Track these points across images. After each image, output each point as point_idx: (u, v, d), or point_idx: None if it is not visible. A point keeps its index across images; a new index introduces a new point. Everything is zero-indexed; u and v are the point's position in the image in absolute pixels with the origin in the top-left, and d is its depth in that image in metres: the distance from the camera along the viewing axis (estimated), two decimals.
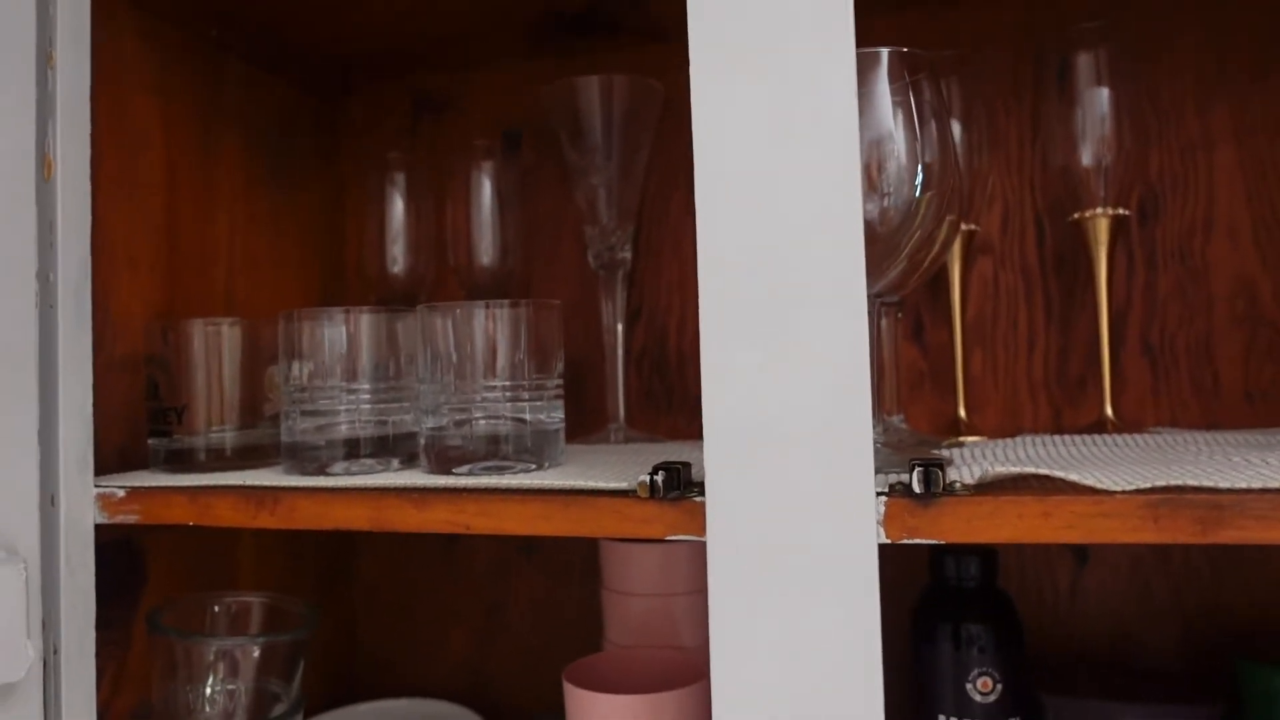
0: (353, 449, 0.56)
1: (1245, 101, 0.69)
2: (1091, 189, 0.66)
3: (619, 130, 0.74)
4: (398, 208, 0.81)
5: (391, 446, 0.57)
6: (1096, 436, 0.61)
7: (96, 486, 0.55)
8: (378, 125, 0.89)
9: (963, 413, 0.70)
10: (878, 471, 0.47)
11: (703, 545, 0.43)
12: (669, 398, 0.80)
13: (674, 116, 0.76)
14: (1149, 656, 0.69)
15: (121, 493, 0.54)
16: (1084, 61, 0.66)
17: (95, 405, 0.57)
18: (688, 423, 0.79)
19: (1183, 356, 0.69)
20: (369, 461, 0.56)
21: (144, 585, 0.62)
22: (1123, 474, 0.42)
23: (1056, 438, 0.61)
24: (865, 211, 0.50)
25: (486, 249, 0.79)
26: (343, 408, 0.56)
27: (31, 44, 0.55)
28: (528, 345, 0.55)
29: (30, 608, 0.52)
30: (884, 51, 0.52)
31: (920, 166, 0.52)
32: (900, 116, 0.52)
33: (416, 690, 0.83)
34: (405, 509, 0.48)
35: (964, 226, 0.69)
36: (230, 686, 0.56)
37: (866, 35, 0.50)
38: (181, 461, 0.59)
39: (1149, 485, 0.40)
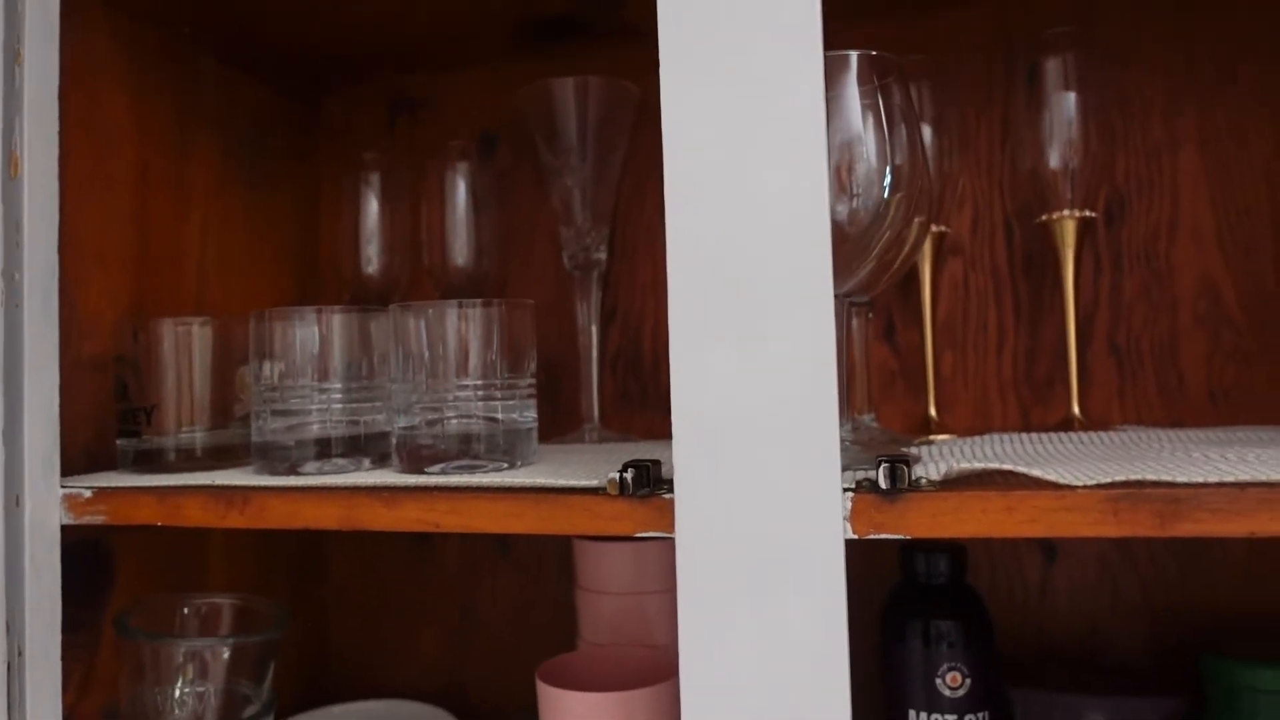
0: (324, 449, 0.56)
1: (1211, 106, 0.70)
2: (1059, 191, 0.67)
3: (594, 132, 0.74)
4: (373, 208, 0.81)
5: (363, 446, 0.57)
6: (1063, 434, 0.62)
7: (63, 487, 0.54)
8: (354, 126, 0.89)
9: (933, 412, 0.70)
10: (847, 469, 0.48)
11: (675, 544, 0.43)
12: (644, 398, 0.80)
13: (649, 119, 0.76)
14: (1116, 651, 0.70)
15: (88, 493, 0.54)
16: (1052, 66, 0.67)
17: (62, 405, 0.56)
18: (663, 422, 0.79)
19: (1148, 357, 0.71)
20: (340, 461, 0.56)
21: (112, 587, 0.61)
22: (1085, 469, 0.43)
23: (1024, 435, 0.62)
24: (835, 212, 0.51)
25: (461, 250, 0.79)
26: (314, 407, 0.56)
27: None
28: (500, 345, 0.55)
29: None
30: (853, 55, 0.52)
31: (889, 168, 0.53)
32: (870, 119, 0.52)
33: (390, 691, 0.83)
34: (375, 508, 0.48)
35: (934, 228, 0.70)
36: (199, 688, 0.56)
37: (838, 42, 0.51)
38: (151, 462, 0.59)
39: (1109, 480, 0.41)
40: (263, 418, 0.57)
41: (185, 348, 0.61)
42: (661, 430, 0.79)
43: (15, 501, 0.53)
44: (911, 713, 0.59)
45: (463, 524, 0.47)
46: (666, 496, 0.44)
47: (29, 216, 0.54)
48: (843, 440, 0.53)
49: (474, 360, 0.55)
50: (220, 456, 0.61)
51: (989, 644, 0.60)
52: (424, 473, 0.53)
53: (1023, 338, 0.73)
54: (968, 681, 0.59)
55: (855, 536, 0.42)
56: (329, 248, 0.88)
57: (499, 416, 0.55)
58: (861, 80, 0.52)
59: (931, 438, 0.66)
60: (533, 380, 0.57)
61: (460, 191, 0.79)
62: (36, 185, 0.55)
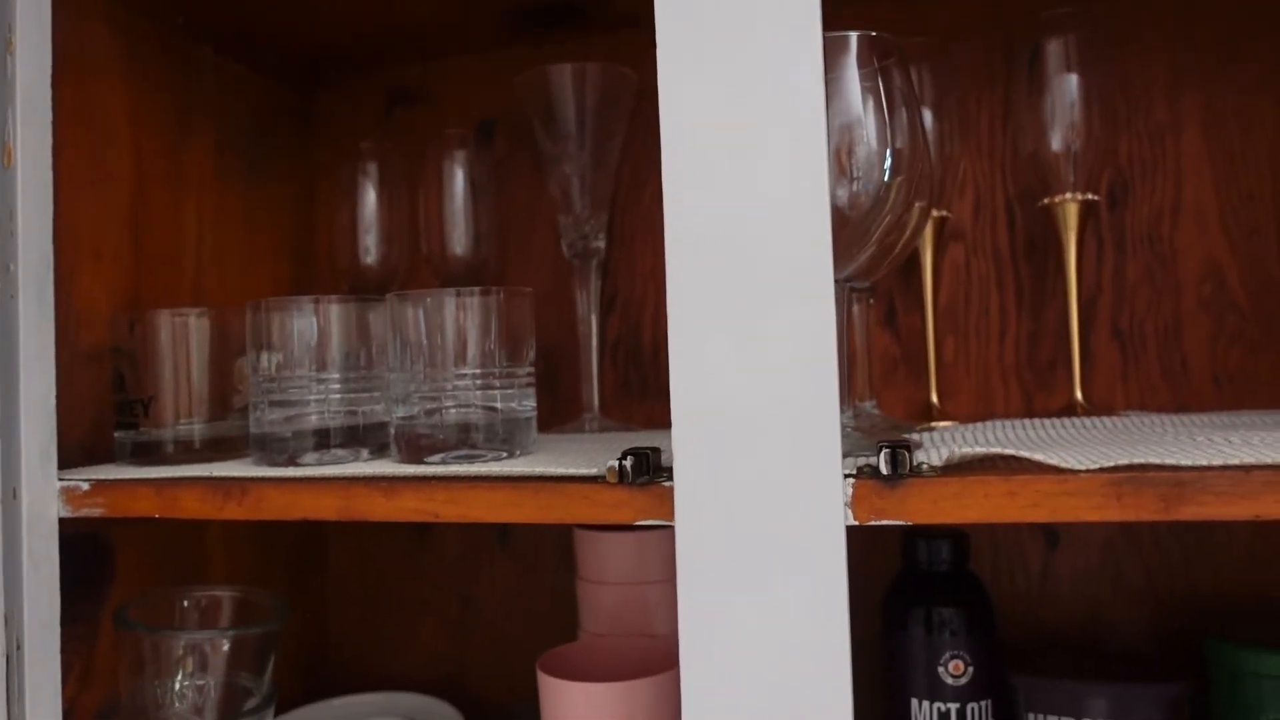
0: (323, 439, 0.56)
1: (1214, 88, 0.70)
2: (1061, 175, 0.66)
3: (592, 118, 0.74)
4: (370, 198, 0.80)
5: (362, 436, 0.57)
6: (1066, 420, 0.61)
7: (60, 480, 0.54)
8: (351, 116, 0.88)
9: (935, 398, 0.70)
10: (848, 455, 0.47)
11: (674, 532, 0.43)
12: (644, 387, 0.80)
13: (648, 105, 0.75)
14: (1120, 637, 0.69)
15: (86, 485, 0.53)
16: (1054, 48, 0.66)
17: (59, 398, 0.56)
18: (663, 411, 0.78)
19: (1151, 341, 0.70)
20: (339, 452, 0.56)
21: (112, 579, 0.61)
22: (1088, 454, 0.42)
23: (1026, 421, 0.61)
24: (835, 196, 0.50)
25: (460, 239, 0.78)
26: (312, 398, 0.56)
27: None
28: (498, 333, 0.55)
29: None
30: (852, 36, 0.52)
31: (890, 151, 0.52)
32: (869, 102, 0.52)
33: (390, 682, 0.83)
34: (374, 498, 0.48)
35: (936, 213, 0.70)
36: (199, 681, 0.56)
37: (837, 24, 0.50)
38: (148, 454, 0.59)
39: (1113, 464, 0.40)
40: (260, 409, 0.56)
41: (182, 339, 0.60)
42: (662, 419, 0.79)
43: (13, 494, 0.53)
44: (914, 701, 0.59)
45: (461, 514, 0.47)
46: (666, 484, 0.44)
47: (23, 207, 0.54)
48: (844, 427, 0.53)
49: (472, 349, 0.55)
50: (219, 448, 0.61)
51: (991, 631, 0.60)
52: (423, 463, 0.53)
53: (1025, 323, 0.73)
54: (970, 669, 0.58)
55: (857, 523, 0.42)
56: (327, 238, 0.88)
57: (498, 406, 0.55)
58: (861, 62, 0.52)
59: (933, 424, 0.66)
60: (532, 369, 0.56)
61: (458, 180, 0.78)
62: (30, 176, 0.55)
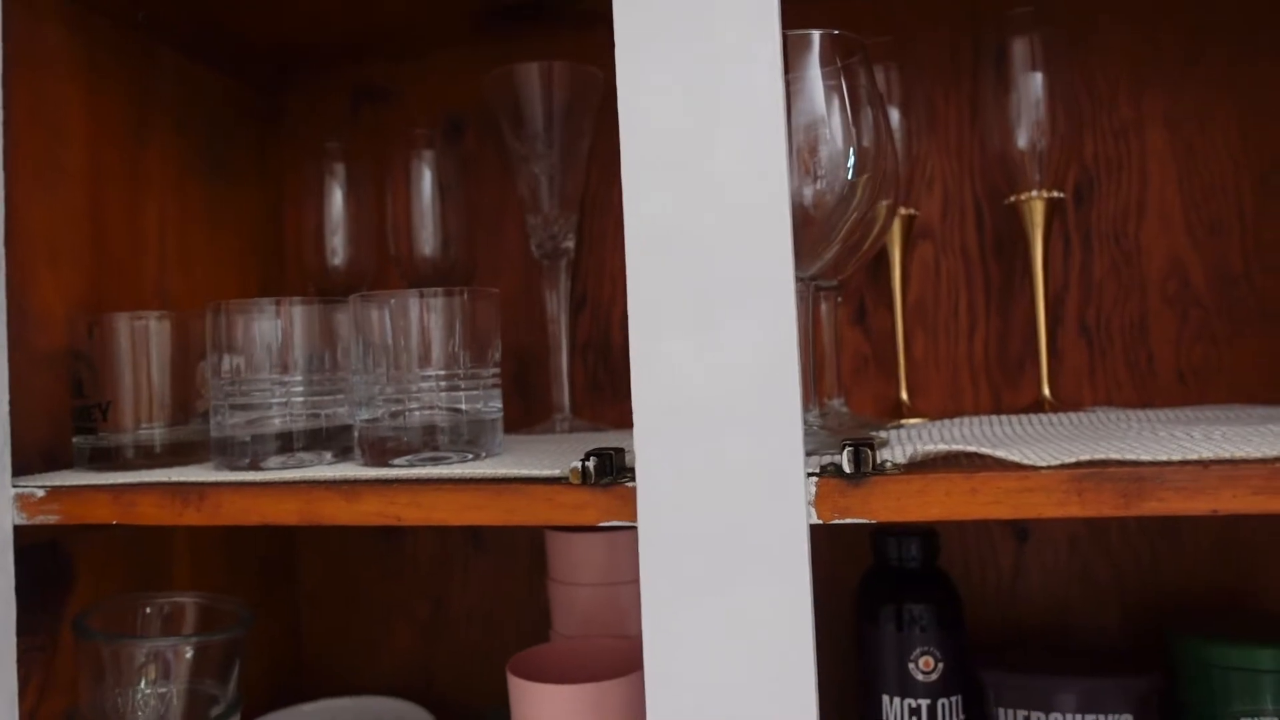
0: (285, 443, 0.55)
1: (1177, 86, 0.70)
2: (1027, 172, 0.67)
3: (560, 118, 0.73)
4: (337, 199, 0.79)
5: (325, 440, 0.56)
6: (1033, 416, 0.61)
7: (14, 486, 0.53)
8: (317, 115, 0.87)
9: (905, 396, 0.70)
10: (815, 453, 0.47)
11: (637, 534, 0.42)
12: (615, 387, 0.79)
13: (616, 104, 0.75)
14: (1089, 632, 0.70)
15: (41, 492, 0.52)
16: (1019, 46, 0.67)
17: (13, 404, 0.55)
18: None
19: (1118, 337, 0.71)
20: (302, 455, 0.55)
21: (71, 588, 0.60)
22: (1051, 450, 0.43)
23: (994, 418, 0.61)
24: (799, 195, 0.50)
25: (428, 239, 0.78)
26: (274, 401, 0.55)
27: None
28: (463, 334, 0.54)
29: None
30: (815, 34, 0.52)
31: (854, 150, 0.52)
32: (833, 100, 0.52)
33: (363, 686, 0.82)
34: (335, 501, 0.47)
35: (904, 211, 0.70)
36: (162, 689, 0.55)
37: (804, 21, 0.50)
38: (108, 460, 0.58)
39: (1074, 460, 0.40)
40: (221, 413, 0.55)
41: (142, 342, 0.59)
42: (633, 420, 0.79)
43: None
44: (885, 698, 0.59)
45: (424, 516, 0.46)
46: (629, 485, 0.44)
47: None
48: (811, 425, 0.53)
49: (437, 351, 0.54)
50: (181, 453, 0.60)
51: (961, 628, 0.60)
52: (388, 465, 0.52)
53: (994, 320, 0.73)
54: (940, 665, 0.58)
55: (820, 521, 0.42)
56: (294, 239, 0.87)
57: (463, 407, 0.54)
58: (824, 61, 0.52)
59: (903, 422, 0.66)
60: (497, 370, 0.56)
61: (426, 180, 0.78)
62: None
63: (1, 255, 0.54)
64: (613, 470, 0.45)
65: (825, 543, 0.73)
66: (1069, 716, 0.58)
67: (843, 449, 0.42)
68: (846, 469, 0.41)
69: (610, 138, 0.79)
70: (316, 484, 0.48)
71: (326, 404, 0.57)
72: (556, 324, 0.75)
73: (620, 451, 0.46)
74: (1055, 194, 0.66)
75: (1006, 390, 0.72)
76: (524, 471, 0.46)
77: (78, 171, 0.64)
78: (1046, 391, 0.66)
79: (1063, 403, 0.69)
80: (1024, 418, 0.60)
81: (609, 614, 0.65)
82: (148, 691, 0.55)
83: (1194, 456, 0.39)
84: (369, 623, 0.84)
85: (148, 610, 0.59)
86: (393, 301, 0.54)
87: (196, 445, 0.60)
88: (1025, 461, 0.41)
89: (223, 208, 0.80)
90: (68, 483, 0.53)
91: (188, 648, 0.56)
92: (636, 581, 0.65)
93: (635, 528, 0.43)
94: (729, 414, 0.41)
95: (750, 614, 0.41)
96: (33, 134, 0.60)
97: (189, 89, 0.77)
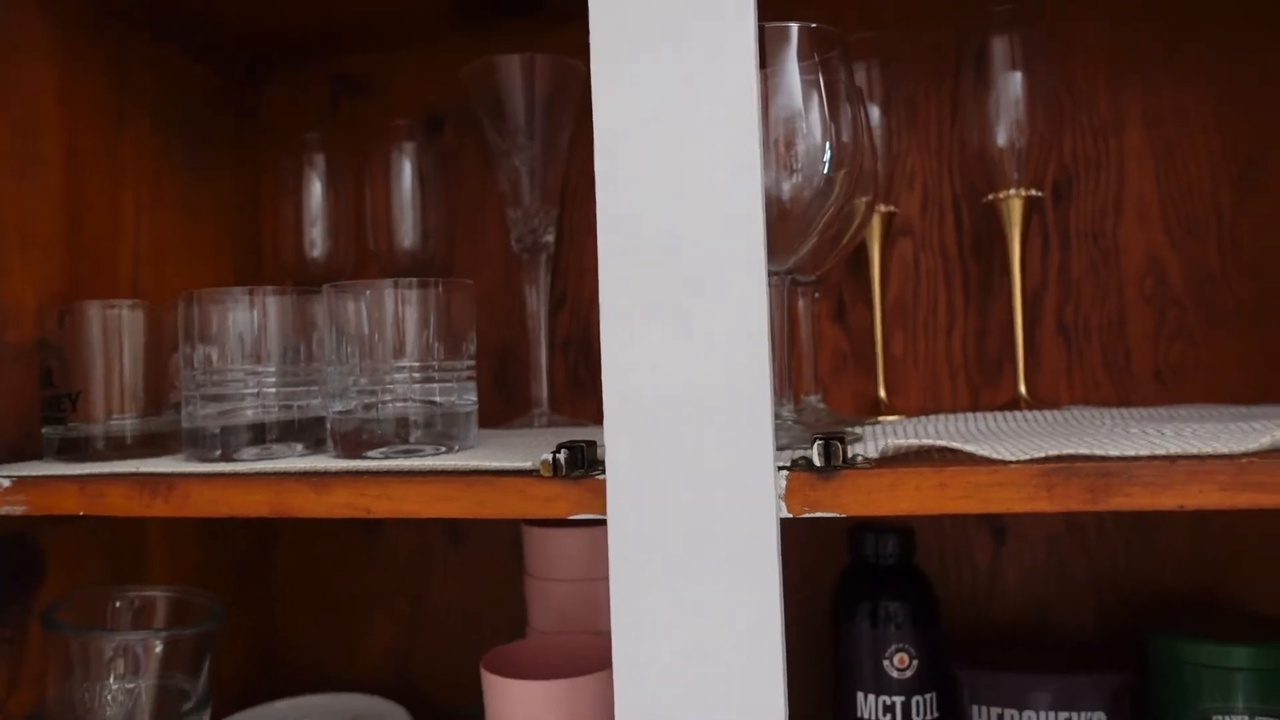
0: (257, 434, 0.54)
1: (1154, 85, 0.70)
2: (1006, 171, 0.67)
3: (541, 111, 0.73)
4: (316, 191, 0.79)
5: (298, 432, 0.56)
6: (1009, 413, 0.61)
7: None
8: (296, 107, 0.87)
9: (883, 393, 0.70)
10: (789, 448, 0.47)
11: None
12: (595, 384, 0.79)
13: None
14: (1065, 630, 0.70)
15: (7, 482, 0.52)
16: (999, 45, 0.67)
17: None
18: None
19: (1096, 336, 0.71)
20: (274, 447, 0.55)
21: (40, 581, 0.59)
22: (1022, 445, 0.43)
23: (969, 415, 0.61)
24: (776, 189, 0.50)
25: (407, 232, 0.77)
26: (247, 392, 0.55)
27: None
28: (438, 326, 0.54)
29: None
30: (793, 27, 0.51)
31: (831, 144, 0.52)
32: (811, 94, 0.52)
33: (340, 682, 0.81)
34: (305, 493, 0.47)
35: (884, 208, 0.70)
36: (130, 684, 0.54)
37: (786, 15, 0.50)
38: (77, 450, 0.57)
39: (1043, 455, 0.40)
40: (193, 403, 0.55)
41: (114, 332, 0.59)
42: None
43: None
44: (859, 695, 0.59)
45: (394, 508, 0.46)
46: (600, 477, 0.43)
47: None
48: (786, 421, 0.53)
49: (411, 342, 0.54)
50: (153, 444, 0.59)
51: (936, 625, 0.60)
52: (361, 457, 0.52)
53: (972, 318, 0.73)
54: (915, 663, 0.58)
55: (790, 515, 0.41)
56: (272, 232, 0.86)
57: (437, 399, 0.54)
58: (802, 55, 0.52)
59: (880, 418, 0.66)
60: (472, 362, 0.56)
61: (405, 172, 0.77)
62: None
63: None
64: (584, 463, 0.44)
65: (804, 540, 0.73)
66: (1042, 714, 0.58)
67: (813, 442, 0.42)
68: (817, 462, 0.41)
69: (591, 131, 0.79)
70: (286, 475, 0.48)
71: (300, 395, 0.56)
72: (536, 319, 0.75)
73: (592, 444, 0.45)
74: (1033, 192, 0.67)
75: (985, 389, 0.73)
76: (495, 464, 0.46)
77: (51, 159, 0.64)
78: (1023, 390, 0.66)
79: (1040, 401, 0.69)
80: (999, 415, 0.60)
81: (585, 610, 0.65)
82: (116, 686, 0.55)
83: (1162, 452, 0.39)
84: (347, 618, 0.84)
85: (118, 603, 0.59)
86: (367, 292, 0.54)
87: (169, 437, 0.60)
88: (995, 456, 0.41)
89: (200, 199, 0.79)
90: (34, 473, 0.52)
91: (158, 642, 0.55)
92: None
93: (605, 520, 0.43)
94: (700, 406, 0.41)
95: (720, 606, 0.41)
96: (4, 119, 0.59)
97: (167, 78, 0.76)
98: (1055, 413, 0.61)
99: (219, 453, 0.53)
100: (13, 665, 0.57)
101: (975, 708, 0.60)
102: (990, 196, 0.67)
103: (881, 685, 0.59)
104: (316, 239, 0.78)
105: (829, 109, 0.52)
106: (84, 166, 0.67)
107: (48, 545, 0.60)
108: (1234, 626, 0.59)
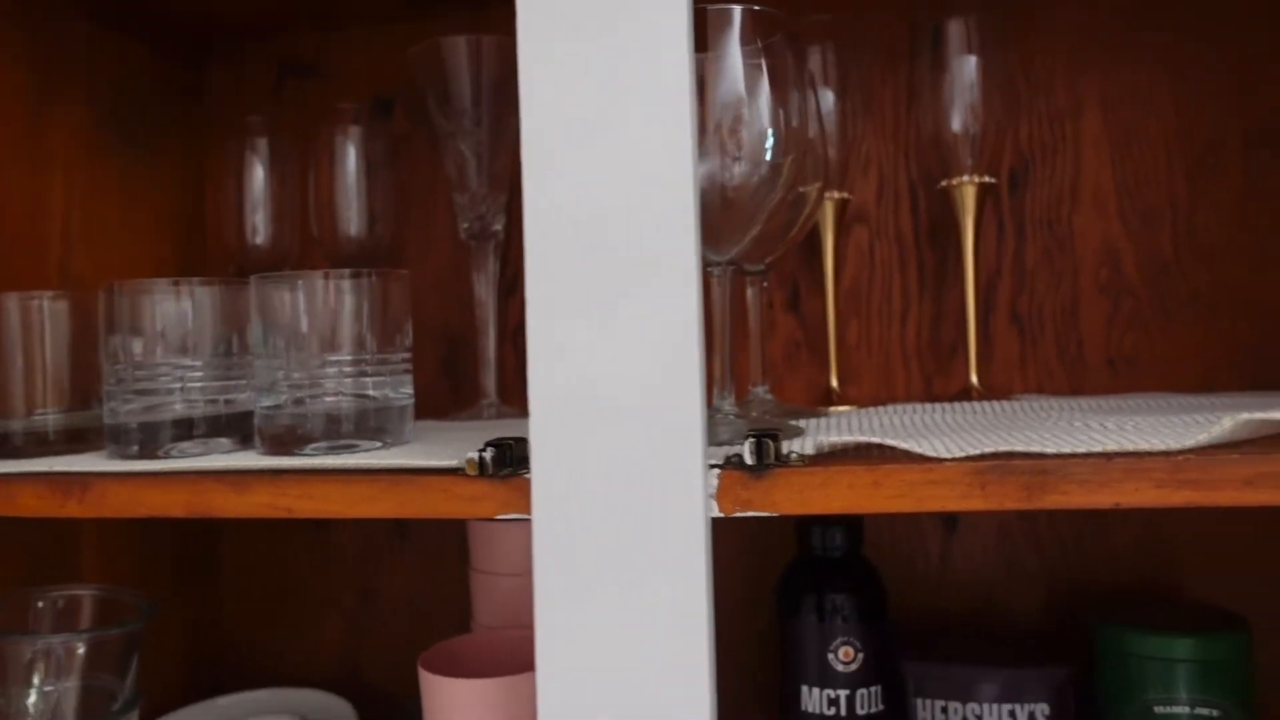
0: (182, 431, 0.53)
1: (1112, 71, 0.69)
2: (960, 157, 0.66)
3: (489, 94, 0.71)
4: (259, 175, 0.76)
5: (225, 427, 0.54)
6: (960, 404, 0.61)
7: None
8: (241, 89, 0.84)
9: (835, 383, 0.69)
10: (728, 443, 0.46)
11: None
12: None
13: None
14: (1015, 621, 0.70)
15: None
16: (955, 28, 0.65)
17: None
18: None
19: (1049, 324, 0.70)
20: (201, 443, 0.53)
21: None
22: (960, 442, 0.42)
23: (919, 406, 0.60)
24: (719, 176, 0.49)
25: (353, 219, 0.75)
26: (172, 386, 0.53)
27: None
28: (371, 317, 0.52)
29: None
30: (736, 9, 0.50)
31: (775, 131, 0.50)
32: (755, 78, 0.50)
33: (287, 678, 0.80)
34: (224, 493, 0.45)
35: (838, 195, 0.68)
36: (50, 688, 0.52)
37: None
38: None
39: (979, 452, 0.39)
40: (116, 398, 0.53)
41: (35, 324, 0.56)
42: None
43: None
44: (804, 688, 0.58)
45: (316, 509, 0.44)
46: (528, 476, 0.42)
47: None
48: (728, 415, 0.52)
49: (343, 334, 0.52)
50: (78, 440, 0.57)
51: (883, 618, 0.59)
52: (293, 454, 0.50)
53: (927, 306, 0.72)
54: (860, 656, 0.58)
55: (722, 514, 0.40)
56: (214, 217, 0.83)
57: (370, 393, 0.52)
58: (746, 38, 0.50)
59: (830, 409, 0.65)
60: (408, 355, 0.54)
61: (351, 157, 0.75)
62: None
63: None
64: (512, 461, 0.43)
65: (755, 531, 0.72)
66: (986, 706, 0.58)
67: (745, 440, 0.41)
68: (749, 461, 0.40)
69: None
70: (205, 475, 0.46)
71: (229, 390, 0.54)
72: (485, 309, 0.73)
73: (521, 441, 0.44)
74: (987, 179, 0.65)
75: (938, 377, 0.72)
76: (419, 462, 0.44)
77: None
78: (974, 379, 0.65)
79: (993, 390, 0.69)
80: (947, 406, 0.59)
81: (530, 604, 0.64)
82: (38, 690, 0.53)
83: (1099, 449, 0.38)
84: (295, 613, 0.82)
85: (40, 604, 0.57)
86: (300, 283, 0.52)
87: (95, 431, 0.57)
88: (930, 454, 0.40)
89: (138, 183, 0.77)
90: None
91: (80, 644, 0.53)
92: None
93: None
94: (627, 402, 0.40)
95: (646, 608, 0.39)
96: None
97: (103, 58, 0.73)
98: (1004, 403, 0.60)
99: (137, 449, 0.51)
100: None
101: (920, 701, 0.60)
102: (944, 183, 0.66)
103: (826, 679, 0.58)
104: (260, 225, 0.76)
105: (774, 94, 0.50)
106: (5, 151, 0.64)
107: None
108: (1180, 619, 0.58)
